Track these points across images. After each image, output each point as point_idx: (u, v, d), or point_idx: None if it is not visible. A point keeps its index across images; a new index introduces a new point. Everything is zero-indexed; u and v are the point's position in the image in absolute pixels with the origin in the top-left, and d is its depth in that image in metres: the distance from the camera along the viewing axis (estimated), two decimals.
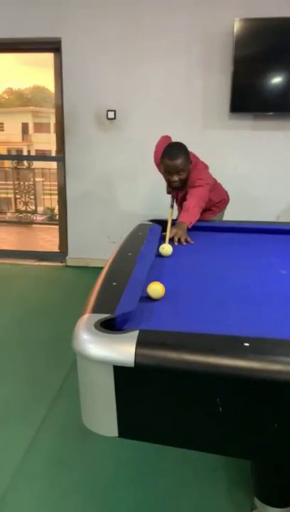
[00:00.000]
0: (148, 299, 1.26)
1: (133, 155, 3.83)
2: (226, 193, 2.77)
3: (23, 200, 5.86)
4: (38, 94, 26.05)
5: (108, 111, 3.77)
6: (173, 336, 0.95)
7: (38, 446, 1.73)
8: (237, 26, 3.35)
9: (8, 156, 10.31)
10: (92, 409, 0.98)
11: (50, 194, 7.21)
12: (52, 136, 4.82)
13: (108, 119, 3.80)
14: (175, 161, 2.24)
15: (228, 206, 2.80)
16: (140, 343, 0.89)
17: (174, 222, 2.18)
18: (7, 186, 6.39)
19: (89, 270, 3.95)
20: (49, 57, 3.97)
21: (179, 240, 1.99)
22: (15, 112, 25.43)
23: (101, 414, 0.96)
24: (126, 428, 0.95)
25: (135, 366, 0.87)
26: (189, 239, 2.02)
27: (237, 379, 0.86)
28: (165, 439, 0.97)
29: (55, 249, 4.54)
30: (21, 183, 6.04)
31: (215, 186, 2.60)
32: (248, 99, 3.52)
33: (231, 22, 3.37)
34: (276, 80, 3.45)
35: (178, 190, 2.48)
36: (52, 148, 4.08)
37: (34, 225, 6.33)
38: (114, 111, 3.77)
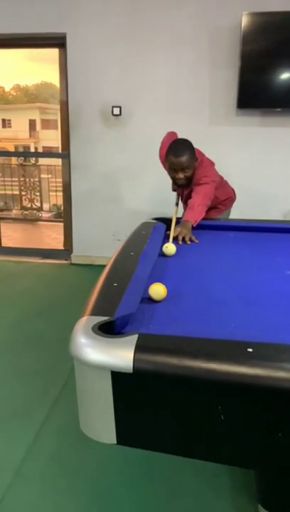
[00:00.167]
0: (150, 300, 1.23)
1: (138, 151, 3.79)
2: (233, 190, 2.72)
3: (29, 197, 5.85)
4: (46, 91, 26.06)
5: (113, 107, 3.73)
6: (174, 340, 0.91)
7: (39, 446, 1.71)
8: (244, 20, 3.29)
9: (12, 153, 10.30)
10: (89, 416, 0.95)
11: (56, 191, 7.19)
12: (59, 133, 4.77)
13: (113, 115, 3.76)
14: (180, 158, 2.20)
15: (234, 204, 2.76)
16: (139, 348, 0.86)
17: (179, 221, 2.14)
18: (13, 183, 6.37)
19: (93, 268, 3.92)
20: (56, 53, 3.94)
21: (183, 238, 1.95)
22: (23, 108, 25.50)
23: (99, 421, 0.93)
24: (125, 435, 0.92)
25: (133, 372, 0.83)
26: (193, 238, 1.98)
27: (239, 386, 0.82)
28: (165, 447, 0.93)
29: (60, 246, 4.52)
30: (27, 179, 6.02)
31: (222, 184, 2.55)
32: (256, 95, 3.46)
33: (238, 16, 3.32)
34: (285, 75, 3.38)
35: (184, 188, 2.44)
36: (59, 144, 4.05)
37: (40, 222, 6.33)
38: (120, 107, 3.73)
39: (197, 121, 3.66)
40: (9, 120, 25.71)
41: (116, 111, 3.73)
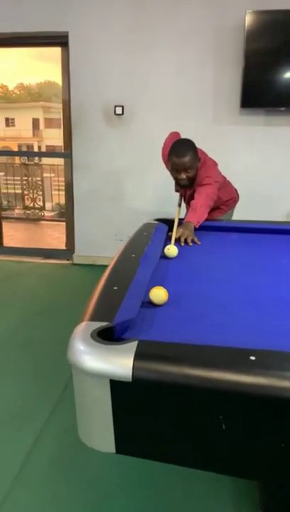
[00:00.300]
0: (151, 304, 1.20)
1: (141, 151, 3.76)
2: (236, 191, 2.69)
3: (31, 196, 5.83)
4: (49, 90, 26.05)
5: (116, 106, 3.70)
6: (174, 347, 0.89)
7: (39, 451, 1.69)
8: (248, 19, 3.26)
9: (14, 153, 10.30)
10: (88, 424, 0.93)
11: (59, 190, 7.19)
12: (62, 132, 4.76)
13: (116, 114, 3.73)
14: (182, 159, 2.18)
15: (238, 205, 2.73)
16: (138, 356, 0.83)
17: (181, 222, 2.12)
18: (15, 182, 6.36)
19: (95, 268, 3.90)
20: (59, 51, 3.91)
21: (185, 240, 1.92)
22: (26, 107, 25.49)
23: (98, 430, 0.91)
24: (124, 444, 0.90)
25: (133, 381, 0.81)
26: (196, 239, 1.95)
27: (241, 395, 0.80)
28: (165, 456, 0.91)
29: (62, 246, 4.50)
30: (30, 178, 6.01)
31: (225, 184, 2.52)
32: (259, 94, 3.43)
33: (242, 14, 3.28)
34: (289, 74, 3.34)
35: (186, 188, 2.41)
36: (62, 144, 4.04)
37: (42, 222, 6.31)
38: (122, 106, 3.70)
39: (200, 120, 3.63)
40: (13, 119, 25.72)
41: (119, 110, 3.71)
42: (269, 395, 0.79)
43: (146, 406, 0.86)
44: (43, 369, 2.27)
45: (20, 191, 6.14)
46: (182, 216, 2.29)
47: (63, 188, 4.40)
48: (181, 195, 2.53)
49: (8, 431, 1.81)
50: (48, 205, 6.88)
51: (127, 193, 3.94)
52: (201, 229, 2.11)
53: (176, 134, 2.64)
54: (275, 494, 1.22)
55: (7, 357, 2.40)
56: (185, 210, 2.57)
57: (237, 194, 2.69)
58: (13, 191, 6.33)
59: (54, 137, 22.38)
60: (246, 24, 3.27)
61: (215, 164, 2.41)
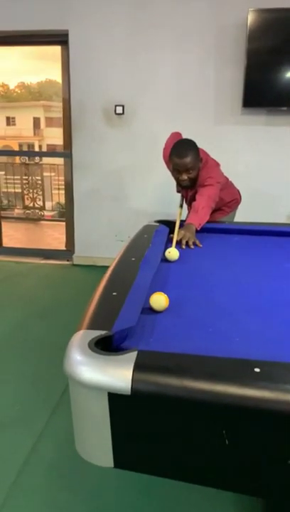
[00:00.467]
0: (151, 310, 1.16)
1: (142, 151, 3.72)
2: (238, 192, 2.65)
3: (31, 196, 5.80)
4: (50, 89, 26.00)
5: (116, 106, 3.66)
6: (176, 358, 0.85)
7: (37, 457, 1.65)
8: (250, 17, 3.22)
9: (13, 152, 10.27)
10: (85, 437, 0.89)
11: (59, 189, 7.16)
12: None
13: (116, 114, 3.69)
14: (183, 159, 2.14)
15: (240, 206, 2.69)
16: (138, 367, 0.80)
17: (182, 224, 2.08)
18: (15, 181, 6.32)
19: (96, 269, 3.86)
20: (59, 50, 3.87)
21: (187, 243, 1.89)
22: (27, 106, 25.45)
23: (96, 443, 0.87)
24: (123, 459, 0.86)
25: (132, 394, 0.77)
26: (198, 242, 1.91)
27: (245, 409, 0.76)
28: (165, 472, 0.87)
29: (62, 246, 4.47)
30: (30, 178, 5.97)
31: (227, 185, 2.49)
32: (261, 93, 3.39)
33: (244, 13, 3.24)
34: None
35: (188, 189, 2.37)
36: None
37: (42, 222, 6.27)
38: (123, 106, 3.66)
39: (202, 120, 3.59)
40: (13, 118, 25.68)
41: (119, 110, 3.67)
42: (274, 410, 0.75)
43: (145, 420, 0.82)
44: (41, 372, 2.23)
45: (20, 190, 6.10)
46: (183, 217, 2.25)
47: (63, 187, 4.37)
48: (183, 196, 2.50)
49: (6, 436, 1.77)
50: (48, 205, 6.83)
51: (128, 193, 3.90)
52: (203, 231, 2.07)
53: (177, 134, 2.60)
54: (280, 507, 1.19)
55: (5, 359, 2.37)
56: (186, 212, 2.53)
57: (240, 195, 2.66)
58: (13, 190, 6.30)
59: (55, 136, 22.31)
60: (249, 23, 3.23)
61: (217, 165, 2.37)
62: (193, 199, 2.26)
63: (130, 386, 0.77)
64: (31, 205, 5.75)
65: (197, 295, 1.33)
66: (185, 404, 0.78)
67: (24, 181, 6.06)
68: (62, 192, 5.16)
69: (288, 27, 3.23)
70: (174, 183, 2.43)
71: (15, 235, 5.56)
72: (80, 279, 3.74)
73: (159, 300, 1.15)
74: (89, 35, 3.60)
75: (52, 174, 7.07)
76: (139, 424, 0.83)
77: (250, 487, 0.84)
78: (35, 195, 5.77)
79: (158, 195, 3.76)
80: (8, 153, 9.92)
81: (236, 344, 0.99)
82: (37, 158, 6.02)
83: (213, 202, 2.20)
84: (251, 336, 1.04)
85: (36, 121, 25.66)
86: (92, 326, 0.95)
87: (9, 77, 24.47)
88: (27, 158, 5.92)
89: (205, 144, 2.37)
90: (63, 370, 0.85)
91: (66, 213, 4.30)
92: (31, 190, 5.82)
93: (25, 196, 5.94)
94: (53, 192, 7.25)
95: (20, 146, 22.74)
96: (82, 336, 0.90)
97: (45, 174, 6.47)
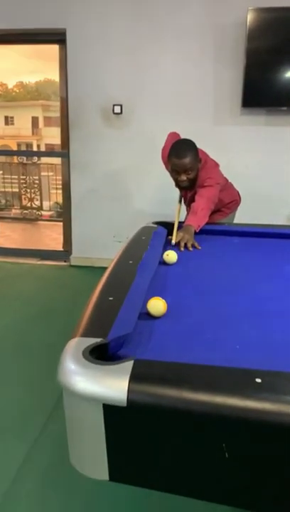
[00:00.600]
0: (148, 315, 1.13)
1: (140, 151, 3.69)
2: (237, 193, 2.62)
3: (29, 196, 5.76)
4: (49, 88, 25.95)
5: (114, 105, 3.63)
6: (174, 368, 0.82)
7: (31, 465, 1.62)
8: (250, 16, 3.19)
9: (11, 152, 10.22)
10: (79, 449, 0.86)
11: (56, 188, 7.12)
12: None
13: (114, 113, 3.66)
14: (182, 160, 2.10)
15: (240, 207, 2.66)
16: (134, 377, 0.76)
17: (181, 225, 2.05)
18: (12, 181, 6.28)
19: (94, 270, 3.82)
20: (57, 49, 3.83)
21: (185, 245, 1.85)
22: (26, 105, 25.39)
23: (90, 455, 0.84)
24: (118, 472, 0.83)
25: (128, 405, 0.74)
26: (196, 244, 1.88)
27: (246, 422, 0.73)
28: (163, 486, 0.84)
29: (59, 247, 4.43)
30: (27, 178, 5.94)
31: (226, 186, 2.45)
32: (261, 93, 3.36)
33: (244, 12, 3.21)
34: None
35: (187, 190, 2.34)
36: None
37: (39, 222, 6.22)
38: (121, 105, 3.62)
39: (201, 120, 3.55)
40: (12, 117, 25.63)
41: (117, 109, 3.63)
42: (276, 422, 0.72)
43: (142, 432, 0.79)
44: (36, 375, 2.20)
45: (15, 189, 6.06)
46: (182, 218, 2.22)
47: (61, 187, 4.33)
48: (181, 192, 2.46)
49: (0, 441, 1.73)
50: (46, 204, 6.79)
51: (126, 194, 3.86)
52: (202, 233, 2.04)
53: (176, 134, 2.56)
54: None
55: (0, 362, 2.33)
56: (185, 212, 2.50)
57: (239, 196, 2.62)
58: (10, 190, 6.26)
59: (53, 136, 22.25)
60: (248, 22, 3.20)
61: (217, 165, 2.34)
62: (192, 200, 2.23)
63: (126, 397, 0.74)
64: (29, 205, 5.71)
65: (196, 300, 1.29)
66: (183, 417, 0.75)
67: (22, 181, 6.02)
68: (59, 192, 5.13)
69: (288, 26, 3.20)
70: (172, 183, 2.40)
71: (12, 236, 5.51)
72: (77, 281, 3.70)
73: (157, 305, 1.12)
74: (87, 34, 3.56)
75: (50, 174, 7.03)
76: (135, 436, 0.79)
77: (251, 502, 0.81)
78: (32, 195, 5.73)
79: (156, 195, 3.72)
80: (6, 153, 9.86)
81: (236, 352, 0.96)
82: (35, 158, 5.99)
83: (212, 203, 2.16)
84: (253, 343, 1.01)
85: (35, 121, 25.61)
86: (87, 333, 0.92)
87: (8, 77, 24.44)
88: (25, 158, 5.88)
89: (204, 144, 2.34)
90: (57, 379, 0.81)
91: (63, 213, 4.26)
92: (29, 190, 5.78)
93: (23, 196, 5.90)
94: (51, 192, 7.21)
95: (19, 145, 22.70)
96: (77, 344, 0.87)
97: (42, 174, 6.44)
